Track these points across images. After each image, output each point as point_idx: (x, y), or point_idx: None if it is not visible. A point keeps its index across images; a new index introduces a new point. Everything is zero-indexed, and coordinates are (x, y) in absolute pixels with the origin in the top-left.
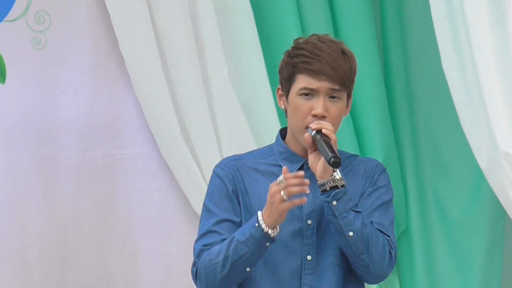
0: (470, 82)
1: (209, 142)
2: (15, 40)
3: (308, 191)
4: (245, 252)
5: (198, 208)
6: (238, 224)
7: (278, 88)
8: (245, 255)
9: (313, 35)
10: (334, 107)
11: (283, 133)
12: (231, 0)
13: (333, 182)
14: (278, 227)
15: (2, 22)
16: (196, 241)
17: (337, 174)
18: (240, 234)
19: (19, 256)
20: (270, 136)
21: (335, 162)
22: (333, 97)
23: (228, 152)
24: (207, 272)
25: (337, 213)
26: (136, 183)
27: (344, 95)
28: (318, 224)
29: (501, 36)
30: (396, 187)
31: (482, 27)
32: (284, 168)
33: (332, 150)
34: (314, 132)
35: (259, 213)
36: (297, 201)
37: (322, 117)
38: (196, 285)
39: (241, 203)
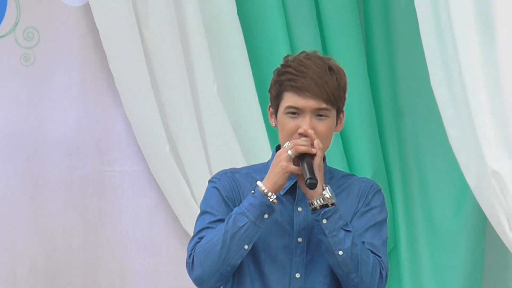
0: (459, 99)
1: (198, 159)
2: (4, 57)
3: (315, 151)
4: (244, 222)
5: (187, 225)
6: None
7: (269, 106)
8: (244, 226)
9: (302, 52)
10: (321, 125)
11: (278, 149)
12: (220, 17)
13: (323, 201)
14: (275, 198)
15: None
16: (191, 239)
17: (327, 193)
18: (239, 208)
19: (8, 273)
20: (260, 153)
21: (311, 184)
22: (320, 115)
23: (217, 169)
24: (206, 252)
25: (326, 232)
26: (125, 200)
27: (332, 112)
28: (308, 242)
29: (489, 52)
30: None
31: (471, 44)
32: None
33: (311, 171)
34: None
35: (258, 182)
36: (308, 148)
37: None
38: (191, 277)
39: None
